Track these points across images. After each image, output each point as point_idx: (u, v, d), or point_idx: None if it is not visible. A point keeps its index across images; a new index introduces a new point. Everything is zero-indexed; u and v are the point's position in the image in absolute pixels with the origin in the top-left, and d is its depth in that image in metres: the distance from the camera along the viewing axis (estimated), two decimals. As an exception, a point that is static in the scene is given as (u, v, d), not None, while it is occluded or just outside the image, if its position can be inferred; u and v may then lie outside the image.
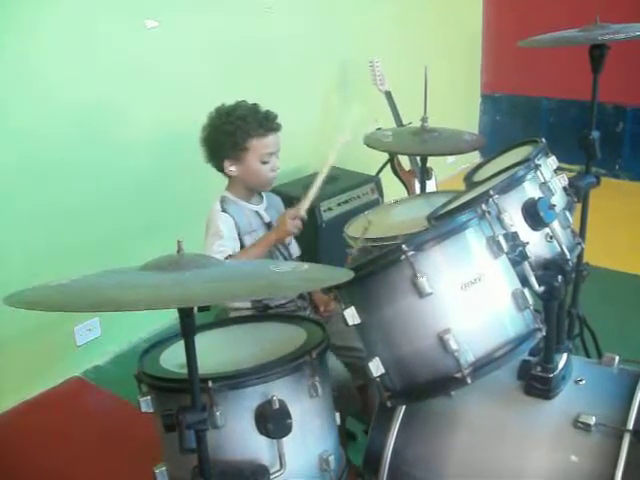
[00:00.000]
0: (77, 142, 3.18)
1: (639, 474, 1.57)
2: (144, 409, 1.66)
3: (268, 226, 2.47)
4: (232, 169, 2.40)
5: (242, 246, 2.37)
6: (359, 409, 2.37)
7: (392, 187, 4.16)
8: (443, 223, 1.71)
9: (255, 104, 2.43)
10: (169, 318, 3.31)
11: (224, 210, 2.40)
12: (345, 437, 2.32)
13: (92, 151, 3.24)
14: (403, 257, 1.53)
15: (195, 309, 1.36)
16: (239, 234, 2.38)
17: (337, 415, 1.78)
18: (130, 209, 3.42)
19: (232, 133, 2.35)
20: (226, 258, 2.25)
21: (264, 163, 2.39)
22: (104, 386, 3.30)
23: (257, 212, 2.48)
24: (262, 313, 2.36)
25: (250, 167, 2.39)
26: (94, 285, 1.35)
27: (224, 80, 3.62)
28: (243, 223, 2.41)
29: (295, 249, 2.57)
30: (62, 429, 3.00)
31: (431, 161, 2.99)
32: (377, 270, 1.58)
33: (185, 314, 1.36)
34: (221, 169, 2.44)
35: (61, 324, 3.24)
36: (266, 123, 2.38)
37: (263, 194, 2.54)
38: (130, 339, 3.50)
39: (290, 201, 2.69)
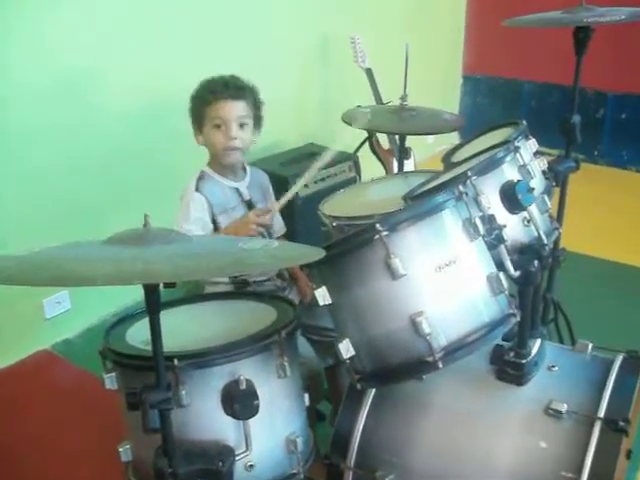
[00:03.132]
0: (53, 106, 3.11)
1: (609, 462, 1.57)
2: (108, 386, 1.63)
3: (248, 204, 2.42)
4: (199, 139, 2.39)
5: (216, 226, 2.33)
6: (326, 397, 2.36)
7: (370, 166, 4.11)
8: (419, 203, 1.68)
9: (225, 75, 2.38)
10: (140, 293, 3.25)
11: (198, 189, 2.35)
12: (314, 418, 2.31)
13: (68, 116, 3.17)
14: (377, 237, 1.50)
15: (161, 286, 1.32)
16: (213, 214, 2.34)
17: (306, 396, 1.76)
18: (104, 178, 3.34)
19: (195, 101, 2.37)
20: None
21: (216, 127, 2.33)
22: (73, 360, 3.25)
23: (237, 189, 2.42)
24: (233, 291, 2.31)
25: (207, 135, 2.36)
26: (54, 258, 1.31)
27: (203, 50, 3.55)
28: (218, 201, 2.35)
29: (279, 226, 2.55)
30: (29, 402, 2.96)
31: (411, 141, 2.95)
32: (349, 250, 1.55)
33: (150, 290, 1.32)
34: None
35: (30, 297, 3.19)
36: (223, 89, 2.33)
37: (248, 170, 2.49)
38: (100, 313, 3.44)
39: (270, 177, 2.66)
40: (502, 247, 1.64)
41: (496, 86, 5.92)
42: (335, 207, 2.15)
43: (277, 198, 2.49)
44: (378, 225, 1.50)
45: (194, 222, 2.29)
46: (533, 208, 1.80)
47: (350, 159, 3.89)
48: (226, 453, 1.51)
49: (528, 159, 1.86)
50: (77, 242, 1.42)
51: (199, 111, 2.36)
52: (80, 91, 3.19)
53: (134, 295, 3.33)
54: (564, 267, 2.63)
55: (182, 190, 2.38)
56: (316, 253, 1.43)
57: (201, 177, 2.38)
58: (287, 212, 2.43)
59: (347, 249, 1.56)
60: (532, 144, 1.96)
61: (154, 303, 1.34)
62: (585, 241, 3.91)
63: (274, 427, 1.64)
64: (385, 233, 1.50)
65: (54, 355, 3.32)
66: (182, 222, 2.28)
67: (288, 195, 2.29)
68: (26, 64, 3.00)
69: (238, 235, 2.22)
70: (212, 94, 2.34)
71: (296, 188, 2.32)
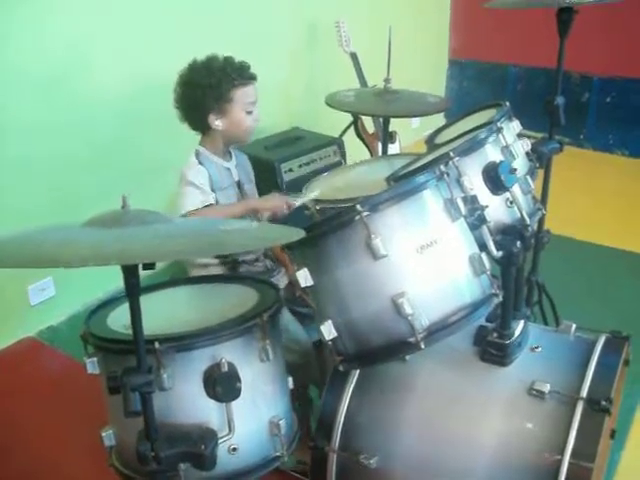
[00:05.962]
0: (40, 96, 3.08)
1: (591, 441, 1.57)
2: (90, 370, 1.62)
3: (238, 185, 2.46)
4: (218, 123, 2.37)
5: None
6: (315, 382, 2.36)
7: (355, 150, 4.10)
8: (400, 184, 1.67)
9: (228, 56, 2.39)
10: (124, 279, 3.24)
11: (200, 163, 2.37)
12: (306, 402, 2.34)
13: (56, 106, 3.14)
14: (357, 217, 1.49)
15: (140, 267, 1.31)
16: (212, 189, 2.35)
17: (290, 380, 1.76)
18: (90, 164, 3.31)
19: (215, 85, 2.33)
20: (206, 207, 2.27)
21: (248, 113, 2.38)
22: (58, 347, 3.23)
23: (228, 169, 2.45)
24: (216, 274, 2.31)
25: (235, 118, 2.37)
26: (33, 240, 1.30)
27: (191, 37, 3.51)
28: (216, 178, 2.38)
29: None
30: (14, 390, 2.94)
31: (396, 125, 2.93)
32: (331, 230, 1.54)
33: (129, 272, 1.31)
34: (199, 127, 2.41)
35: (14, 284, 3.16)
36: (245, 72, 2.37)
37: (232, 152, 2.50)
38: (85, 300, 3.41)
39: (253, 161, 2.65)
40: (484, 228, 1.63)
41: (482, 70, 5.91)
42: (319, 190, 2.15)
43: (261, 180, 2.49)
44: (359, 206, 1.50)
45: (202, 187, 2.31)
46: (516, 189, 1.79)
47: (335, 143, 3.87)
48: (209, 436, 1.50)
49: (511, 140, 1.86)
50: (57, 225, 1.41)
51: (224, 92, 2.33)
52: (66, 79, 3.15)
53: (119, 282, 3.31)
54: (549, 250, 2.64)
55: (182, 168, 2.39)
56: (296, 233, 1.42)
57: (198, 154, 2.40)
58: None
59: (328, 230, 1.55)
60: (515, 125, 1.96)
61: (133, 285, 1.32)
62: (571, 224, 3.92)
63: (257, 410, 1.63)
64: (366, 214, 1.49)
65: (39, 342, 3.29)
66: (192, 190, 2.30)
67: (310, 195, 2.26)
68: (17, 54, 2.96)
69: (260, 207, 2.36)
70: (242, 77, 2.36)
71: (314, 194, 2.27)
